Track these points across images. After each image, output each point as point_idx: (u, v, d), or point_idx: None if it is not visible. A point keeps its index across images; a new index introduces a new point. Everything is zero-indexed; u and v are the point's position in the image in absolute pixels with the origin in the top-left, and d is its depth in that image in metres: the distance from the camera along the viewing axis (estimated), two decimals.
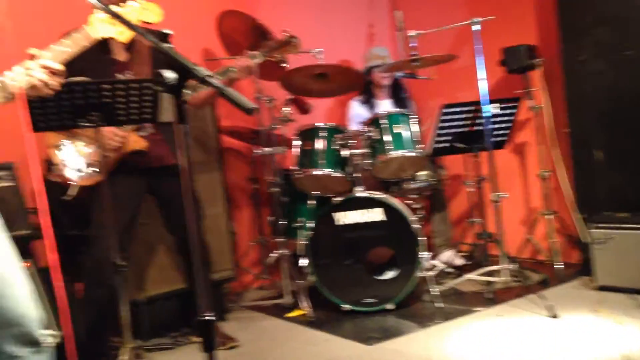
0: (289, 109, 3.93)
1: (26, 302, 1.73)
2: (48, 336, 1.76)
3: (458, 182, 4.64)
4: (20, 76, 1.65)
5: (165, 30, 1.34)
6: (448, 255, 4.33)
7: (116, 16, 1.46)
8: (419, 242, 3.44)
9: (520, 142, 4.48)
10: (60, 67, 1.72)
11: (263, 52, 3.17)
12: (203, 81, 1.32)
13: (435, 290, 3.56)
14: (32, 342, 1.73)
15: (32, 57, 1.71)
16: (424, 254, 3.47)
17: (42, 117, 2.31)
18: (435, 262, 4.08)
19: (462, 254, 4.46)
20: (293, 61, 3.85)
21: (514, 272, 3.65)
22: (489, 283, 3.62)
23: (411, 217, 3.51)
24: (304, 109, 4.10)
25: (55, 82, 1.71)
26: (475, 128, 3.72)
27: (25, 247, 2.74)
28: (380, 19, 5.26)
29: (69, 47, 1.75)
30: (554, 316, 3.08)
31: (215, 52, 4.23)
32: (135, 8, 1.88)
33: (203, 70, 1.33)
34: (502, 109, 3.74)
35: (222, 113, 3.92)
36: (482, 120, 3.55)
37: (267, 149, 3.81)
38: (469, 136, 3.73)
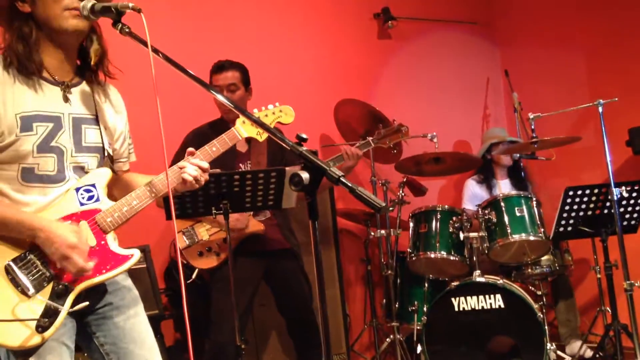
0: (404, 191, 3.95)
1: None
2: None
3: (585, 267, 4.37)
4: (174, 173, 1.82)
5: (302, 135, 1.42)
6: (576, 346, 4.03)
7: (257, 122, 1.58)
8: (543, 332, 3.24)
9: None
10: (207, 165, 1.88)
11: (373, 140, 3.27)
12: (337, 182, 1.37)
13: None
14: None
15: (190, 154, 1.88)
16: (549, 345, 3.25)
17: (178, 205, 2.50)
18: (561, 353, 3.81)
19: (591, 345, 4.13)
20: (409, 144, 3.91)
21: None
22: None
23: (534, 305, 3.34)
24: (418, 191, 4.11)
25: (204, 178, 1.87)
26: (603, 211, 3.53)
27: (155, 326, 2.89)
28: (495, 101, 5.26)
29: (217, 147, 1.93)
30: None
31: (333, 138, 4.39)
32: (272, 111, 2.09)
33: (337, 171, 1.39)
34: (631, 191, 3.53)
35: (337, 195, 4.01)
36: (610, 203, 3.37)
37: (381, 231, 3.82)
38: (596, 220, 3.54)
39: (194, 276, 2.94)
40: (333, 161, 3.13)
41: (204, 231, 3.01)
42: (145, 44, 1.57)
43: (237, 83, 3.17)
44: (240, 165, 3.14)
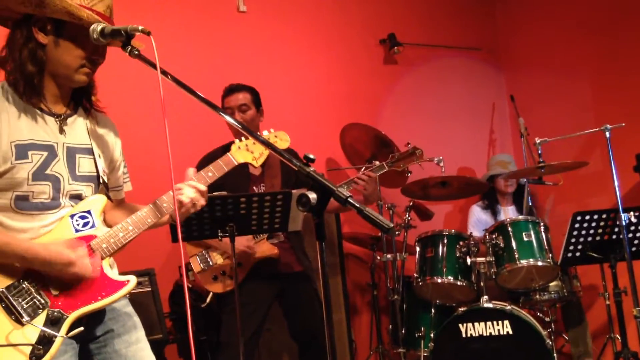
0: (410, 215, 3.93)
1: None
2: None
3: (594, 294, 4.32)
4: (171, 197, 1.82)
5: (310, 155, 1.42)
6: None
7: (264, 143, 1.58)
8: (553, 359, 3.19)
9: None
10: (205, 188, 1.87)
11: (387, 164, 3.25)
12: (345, 202, 1.37)
13: None
14: None
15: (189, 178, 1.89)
16: None
17: (185, 228, 2.49)
18: None
19: None
20: (414, 168, 3.90)
21: None
22: None
23: (543, 332, 3.29)
24: (425, 215, 4.09)
25: (200, 203, 1.86)
26: (611, 237, 3.50)
27: (159, 351, 2.86)
28: (501, 126, 5.27)
29: (213, 172, 1.93)
30: None
31: (339, 162, 4.39)
32: (268, 136, 2.12)
33: (344, 192, 1.38)
34: (639, 217, 3.51)
35: (343, 219, 3.99)
36: (619, 229, 3.35)
37: (387, 255, 3.79)
38: (604, 245, 3.51)
39: (208, 300, 2.92)
40: (346, 185, 3.11)
41: (217, 255, 3.00)
42: (154, 66, 1.58)
43: (248, 104, 3.20)
44: (254, 188, 3.13)
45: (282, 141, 2.14)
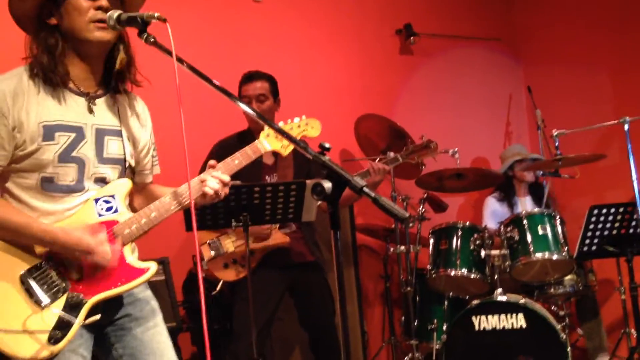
0: (424, 207, 3.91)
1: None
2: None
3: (610, 288, 4.27)
4: (194, 185, 1.80)
5: (325, 144, 1.41)
6: None
7: (278, 131, 1.58)
8: (566, 354, 3.17)
9: None
10: (228, 179, 1.86)
11: (401, 155, 3.24)
12: (360, 192, 1.36)
13: None
14: None
15: (211, 167, 1.86)
16: None
17: (198, 217, 2.49)
18: None
19: None
20: (429, 160, 3.88)
21: None
22: None
23: (557, 325, 3.27)
24: (439, 207, 4.07)
25: (224, 192, 1.85)
26: (628, 230, 3.46)
27: (172, 339, 2.87)
28: (518, 117, 5.22)
29: (240, 160, 1.90)
30: None
31: (353, 153, 4.38)
32: (298, 124, 2.06)
33: (360, 181, 1.37)
34: None
35: (357, 210, 3.98)
36: (636, 223, 3.31)
37: (401, 247, 3.78)
38: (621, 239, 3.47)
39: (218, 288, 2.93)
40: (360, 176, 3.10)
41: (229, 243, 3.01)
42: (170, 53, 1.58)
43: (266, 94, 3.18)
44: (267, 177, 3.14)
45: (314, 129, 2.07)
